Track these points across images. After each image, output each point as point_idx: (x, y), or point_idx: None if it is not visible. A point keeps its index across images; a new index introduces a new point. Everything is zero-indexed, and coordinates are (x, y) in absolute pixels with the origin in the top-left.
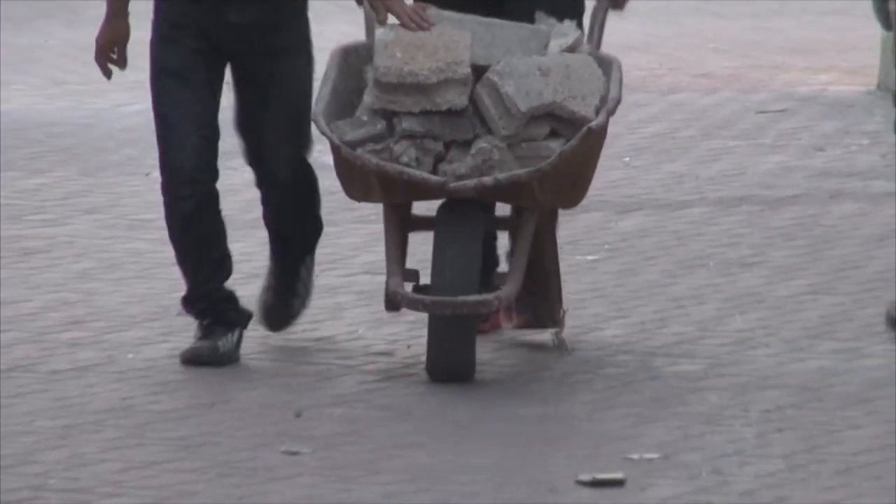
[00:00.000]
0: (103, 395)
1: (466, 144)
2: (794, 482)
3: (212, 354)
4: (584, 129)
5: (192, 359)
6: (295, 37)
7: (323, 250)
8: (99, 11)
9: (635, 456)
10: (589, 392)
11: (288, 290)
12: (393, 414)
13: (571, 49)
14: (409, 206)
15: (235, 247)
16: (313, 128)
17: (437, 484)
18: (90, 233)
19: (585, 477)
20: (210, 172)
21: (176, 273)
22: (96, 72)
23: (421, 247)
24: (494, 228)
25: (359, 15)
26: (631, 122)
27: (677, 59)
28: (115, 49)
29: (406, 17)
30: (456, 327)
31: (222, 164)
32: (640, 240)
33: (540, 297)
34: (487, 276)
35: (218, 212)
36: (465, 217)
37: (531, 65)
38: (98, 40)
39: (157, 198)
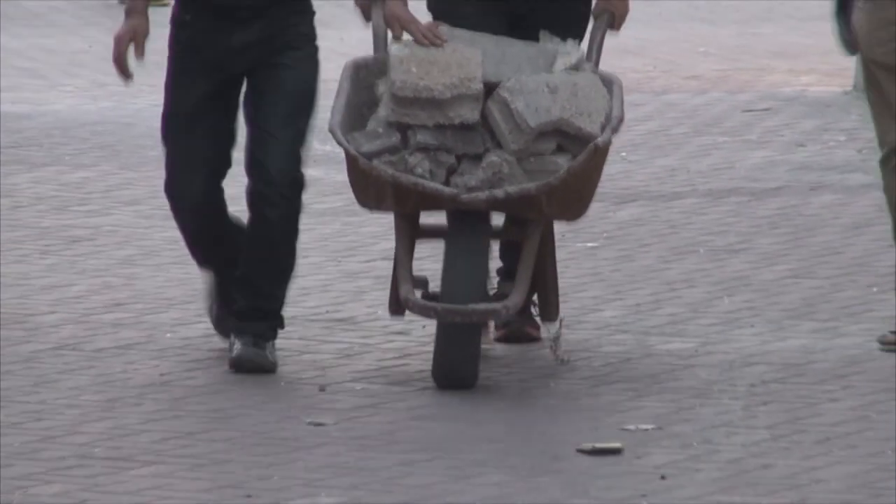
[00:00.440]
0: (143, 372)
1: (477, 157)
2: (777, 451)
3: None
4: (591, 145)
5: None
6: (298, 36)
7: (344, 238)
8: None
9: (632, 427)
10: (589, 369)
11: (257, 345)
12: (409, 389)
13: (575, 67)
14: (417, 216)
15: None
16: (316, 135)
17: (448, 453)
18: (131, 222)
19: (586, 446)
20: (214, 205)
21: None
22: (136, 75)
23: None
24: (499, 239)
25: None
26: (627, 121)
27: (670, 62)
28: (134, 43)
29: (420, 35)
30: (463, 335)
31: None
32: (636, 228)
33: (539, 295)
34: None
35: (222, 226)
36: (474, 228)
37: (540, 82)
38: (117, 39)
39: None
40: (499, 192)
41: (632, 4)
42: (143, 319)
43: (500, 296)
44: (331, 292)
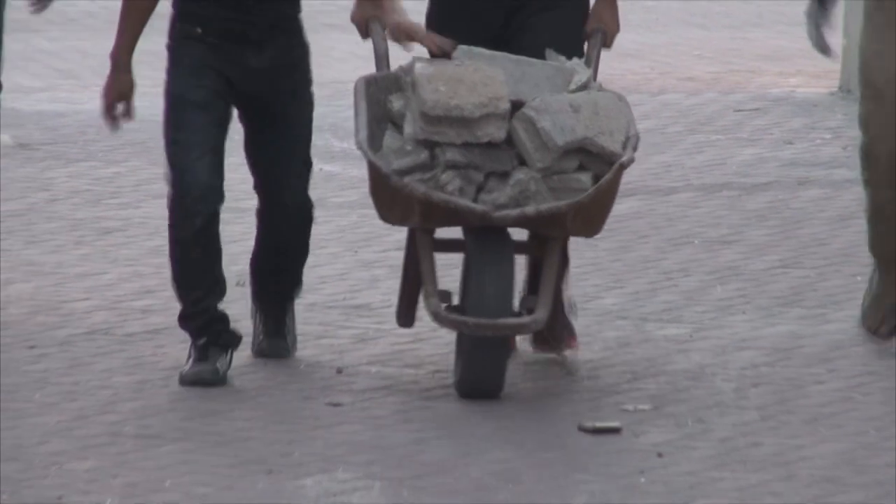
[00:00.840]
0: (171, 355)
1: (504, 175)
2: (766, 430)
3: (213, 377)
4: (617, 164)
5: (194, 381)
6: (302, 79)
7: (360, 229)
8: (163, 22)
9: (630, 407)
10: (590, 352)
11: (277, 333)
12: (421, 371)
13: (584, 86)
14: (434, 230)
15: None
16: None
17: (458, 430)
18: (160, 214)
19: (587, 425)
20: (219, 193)
21: (233, 248)
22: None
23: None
24: (521, 254)
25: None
26: None
27: (666, 65)
28: (123, 103)
29: (427, 41)
30: (492, 348)
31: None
32: (634, 221)
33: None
34: None
35: (218, 234)
36: (500, 243)
37: (563, 101)
38: (105, 96)
39: None
40: (530, 210)
41: (631, 10)
42: (171, 306)
43: (528, 310)
44: (348, 280)
